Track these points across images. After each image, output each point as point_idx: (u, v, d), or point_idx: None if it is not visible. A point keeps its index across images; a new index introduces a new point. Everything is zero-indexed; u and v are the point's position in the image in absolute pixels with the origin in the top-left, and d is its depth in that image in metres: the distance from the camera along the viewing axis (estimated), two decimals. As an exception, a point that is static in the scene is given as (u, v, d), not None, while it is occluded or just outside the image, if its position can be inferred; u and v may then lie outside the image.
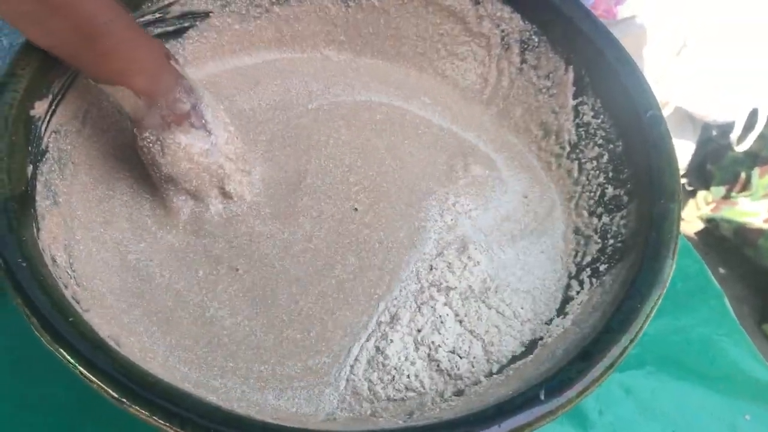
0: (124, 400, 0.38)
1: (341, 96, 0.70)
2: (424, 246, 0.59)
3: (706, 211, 1.44)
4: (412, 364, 0.51)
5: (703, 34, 1.22)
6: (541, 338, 0.51)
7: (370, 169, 0.64)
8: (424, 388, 0.50)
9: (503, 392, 0.45)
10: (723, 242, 1.45)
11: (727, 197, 1.43)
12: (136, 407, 0.38)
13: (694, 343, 0.61)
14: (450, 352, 0.51)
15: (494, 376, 0.49)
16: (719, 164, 1.47)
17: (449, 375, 0.51)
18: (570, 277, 0.56)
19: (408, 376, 0.50)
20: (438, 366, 0.51)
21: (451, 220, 0.61)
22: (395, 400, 0.49)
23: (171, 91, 0.53)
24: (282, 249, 0.57)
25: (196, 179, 0.57)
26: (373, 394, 0.50)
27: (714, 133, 1.46)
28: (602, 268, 0.52)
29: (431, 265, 0.57)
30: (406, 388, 0.50)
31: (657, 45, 1.22)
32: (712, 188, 1.46)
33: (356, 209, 0.61)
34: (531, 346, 0.52)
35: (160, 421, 0.38)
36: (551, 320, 0.54)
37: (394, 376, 0.50)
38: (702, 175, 1.52)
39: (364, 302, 0.55)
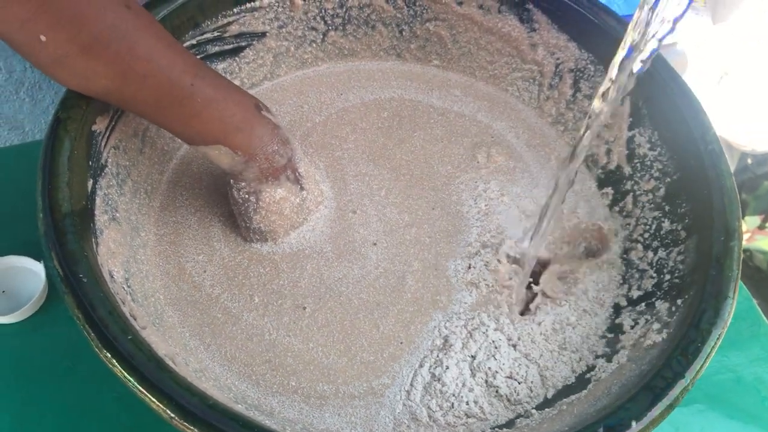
0: (183, 421, 0.38)
1: (350, 101, 0.71)
2: (468, 234, 0.60)
3: (741, 240, 1.42)
4: (470, 390, 0.51)
5: (745, 63, 1.21)
6: (594, 371, 0.51)
7: (384, 168, 0.65)
8: (484, 414, 0.50)
9: (557, 428, 0.44)
10: (757, 273, 1.43)
11: (762, 227, 1.42)
12: (195, 429, 0.38)
13: (744, 383, 0.60)
14: (507, 377, 0.52)
15: (546, 410, 0.49)
16: (754, 194, 1.45)
17: (509, 400, 0.51)
18: (624, 311, 0.55)
19: (467, 403, 0.50)
20: (497, 392, 0.51)
21: (485, 206, 0.62)
22: (456, 426, 0.49)
23: (270, 143, 0.52)
24: (357, 284, 0.57)
25: (283, 233, 0.58)
26: (433, 421, 0.50)
27: (750, 162, 1.45)
28: (658, 303, 0.51)
29: (470, 264, 0.58)
30: (466, 415, 0.50)
31: (698, 72, 1.22)
32: (747, 218, 1.44)
33: (397, 213, 0.62)
34: (583, 376, 0.51)
35: (217, 443, 0.37)
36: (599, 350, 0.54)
37: (453, 403, 0.50)
38: (737, 204, 1.50)
39: (431, 312, 0.56)
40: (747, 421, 0.58)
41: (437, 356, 0.53)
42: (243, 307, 0.55)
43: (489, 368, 0.52)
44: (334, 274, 0.57)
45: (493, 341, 0.53)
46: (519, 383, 0.51)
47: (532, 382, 0.52)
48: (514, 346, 0.53)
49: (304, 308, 0.55)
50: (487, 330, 0.54)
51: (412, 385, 0.51)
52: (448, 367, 0.52)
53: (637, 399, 0.42)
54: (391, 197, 0.63)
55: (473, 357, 0.52)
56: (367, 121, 0.69)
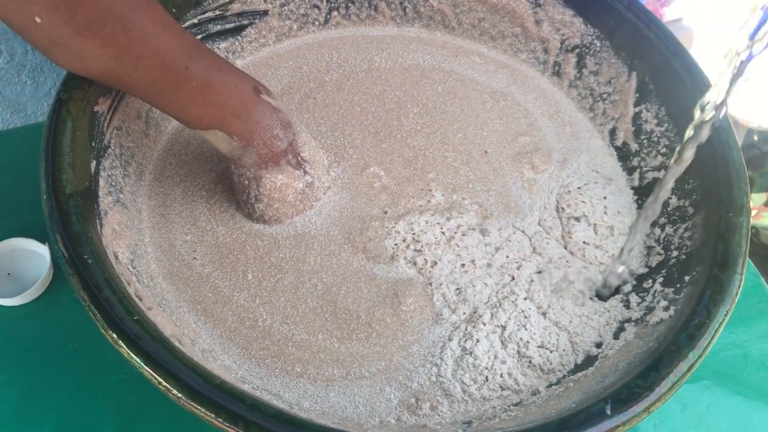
0: (190, 401, 0.38)
1: (358, 65, 0.68)
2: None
3: (747, 218, 1.42)
4: (503, 362, 0.50)
5: (752, 39, 1.20)
6: (601, 348, 0.50)
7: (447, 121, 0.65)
8: (518, 385, 0.49)
9: (564, 404, 0.44)
10: (763, 250, 1.43)
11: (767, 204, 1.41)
12: (202, 408, 0.38)
13: (752, 359, 0.60)
14: (539, 346, 0.51)
15: (554, 387, 0.49)
16: (760, 170, 1.45)
17: (542, 370, 0.50)
18: (631, 288, 0.55)
19: (501, 375, 0.50)
20: (530, 362, 0.50)
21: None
22: (491, 399, 0.49)
23: (268, 128, 0.51)
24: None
25: (286, 218, 0.56)
26: (468, 395, 0.49)
27: (756, 138, 1.44)
28: (665, 280, 0.51)
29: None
30: (501, 387, 0.49)
31: (704, 48, 1.20)
32: (753, 195, 1.44)
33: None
34: (592, 359, 0.51)
35: (225, 423, 0.37)
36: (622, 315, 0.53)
37: (487, 377, 0.50)
38: (743, 181, 1.49)
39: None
40: (754, 397, 0.58)
41: (467, 329, 0.52)
42: (233, 285, 0.53)
43: (520, 339, 0.51)
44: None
45: (523, 311, 0.52)
46: (551, 352, 0.51)
47: (563, 349, 0.51)
48: (544, 314, 0.53)
49: (317, 286, 0.54)
50: (516, 299, 0.53)
51: (441, 359, 0.51)
52: (478, 340, 0.51)
53: (644, 376, 0.42)
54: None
55: (503, 328, 0.52)
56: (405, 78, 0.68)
